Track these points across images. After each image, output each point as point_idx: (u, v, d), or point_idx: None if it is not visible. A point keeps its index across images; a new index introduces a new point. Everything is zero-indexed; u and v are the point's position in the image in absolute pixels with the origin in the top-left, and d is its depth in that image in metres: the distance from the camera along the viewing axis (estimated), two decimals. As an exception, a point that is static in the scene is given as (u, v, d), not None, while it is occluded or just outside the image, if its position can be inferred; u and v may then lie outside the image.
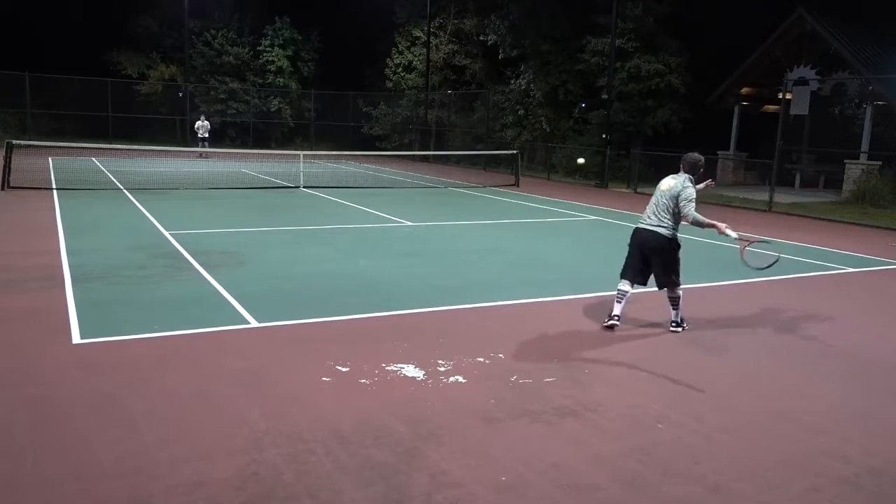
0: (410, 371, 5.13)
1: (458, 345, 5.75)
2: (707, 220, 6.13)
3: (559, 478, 3.68)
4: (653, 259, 6.27)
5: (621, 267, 6.47)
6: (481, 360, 5.43)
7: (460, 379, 5.03)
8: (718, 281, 8.76)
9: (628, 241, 6.47)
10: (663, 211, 6.24)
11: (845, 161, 20.37)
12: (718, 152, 24.79)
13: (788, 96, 20.07)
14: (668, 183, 6.31)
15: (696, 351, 5.93)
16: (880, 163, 19.49)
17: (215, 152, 26.88)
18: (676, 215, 6.20)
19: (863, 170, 19.52)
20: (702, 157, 6.45)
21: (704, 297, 7.94)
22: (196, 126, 28.39)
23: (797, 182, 23.36)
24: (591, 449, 4.03)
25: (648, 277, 6.36)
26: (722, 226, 6.13)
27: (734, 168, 24.70)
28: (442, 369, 5.19)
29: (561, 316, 6.90)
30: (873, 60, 20.57)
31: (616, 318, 6.36)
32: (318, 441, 3.97)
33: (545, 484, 3.61)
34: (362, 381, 4.92)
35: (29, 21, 34.86)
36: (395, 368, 5.17)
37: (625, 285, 6.36)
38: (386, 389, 4.79)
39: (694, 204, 6.18)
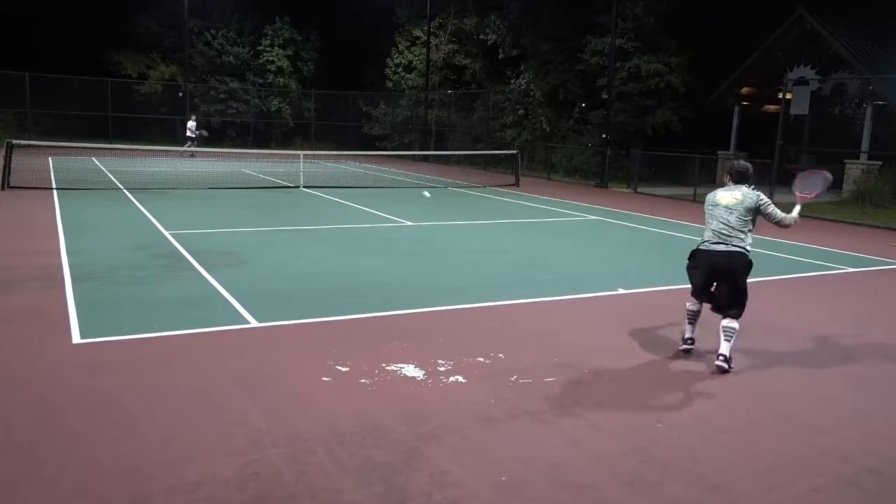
0: (410, 371, 5.13)
1: (458, 345, 5.75)
2: (792, 216, 5.92)
3: (559, 478, 3.68)
4: (724, 281, 5.59)
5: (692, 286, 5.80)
6: (481, 360, 5.43)
7: (460, 379, 5.03)
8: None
9: (690, 261, 5.77)
10: (739, 228, 5.53)
11: (845, 161, 20.36)
12: (718, 152, 24.77)
13: (788, 96, 20.07)
14: (735, 196, 5.62)
15: (695, 350, 5.92)
16: (880, 163, 19.48)
17: (202, 151, 26.71)
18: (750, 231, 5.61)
19: (863, 170, 19.52)
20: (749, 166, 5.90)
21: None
22: (189, 125, 28.40)
23: (797, 182, 23.32)
24: (591, 449, 4.03)
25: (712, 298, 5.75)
26: (798, 206, 6.15)
27: (734, 168, 24.67)
28: (442, 369, 5.19)
29: (561, 316, 6.90)
30: (873, 60, 20.56)
31: (690, 341, 5.81)
32: (318, 441, 3.97)
33: (545, 484, 3.61)
34: (362, 381, 4.92)
35: (29, 21, 34.84)
36: (395, 368, 5.17)
37: (695, 304, 5.78)
38: (386, 389, 4.79)
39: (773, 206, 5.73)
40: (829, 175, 6.33)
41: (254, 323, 6.19)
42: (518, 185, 20.83)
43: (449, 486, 3.54)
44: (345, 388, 4.78)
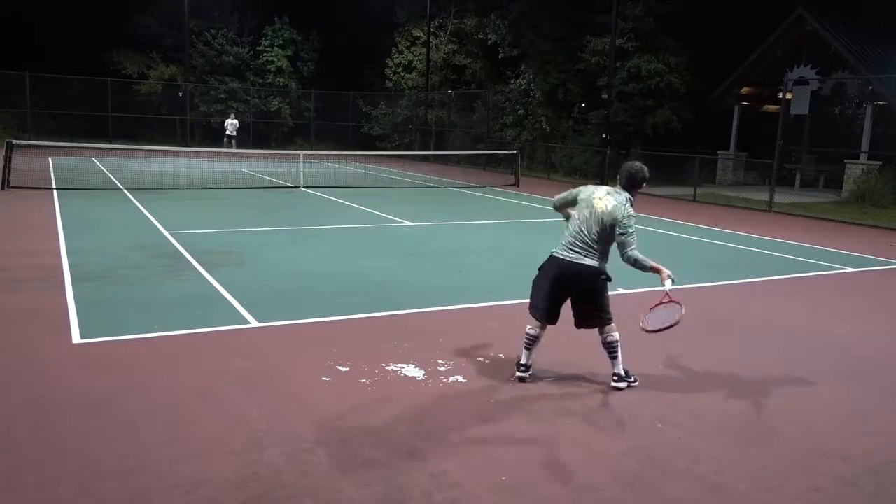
0: (410, 371, 5.13)
1: (458, 345, 5.75)
2: (650, 263, 4.80)
3: (559, 478, 3.68)
4: (578, 298, 4.94)
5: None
6: (481, 360, 5.44)
7: (460, 379, 5.03)
8: (718, 281, 8.75)
9: (541, 267, 5.03)
10: (595, 238, 4.76)
11: (845, 161, 20.38)
12: (718, 152, 24.81)
13: (788, 96, 20.08)
14: (608, 202, 4.77)
15: (695, 350, 5.92)
16: (880, 163, 19.50)
17: (242, 152, 27.15)
18: (609, 244, 4.82)
19: (863, 170, 19.53)
20: (644, 168, 4.95)
21: (704, 297, 7.93)
22: (226, 124, 29.18)
23: (797, 182, 23.37)
24: (591, 449, 4.03)
25: (558, 317, 5.03)
26: (665, 273, 4.80)
27: (734, 168, 24.73)
28: (442, 369, 5.19)
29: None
30: (873, 60, 20.57)
31: (524, 367, 5.02)
32: (318, 441, 3.97)
33: (545, 484, 3.61)
34: (362, 381, 4.92)
35: (29, 21, 34.83)
36: (395, 368, 5.17)
37: (535, 329, 5.00)
38: (386, 389, 4.79)
39: (636, 236, 4.77)
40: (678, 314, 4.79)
41: (254, 323, 6.19)
42: (518, 185, 20.83)
43: (449, 486, 3.54)
44: (345, 388, 4.78)
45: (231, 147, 28.50)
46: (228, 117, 30.05)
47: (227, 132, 29.11)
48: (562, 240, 4.91)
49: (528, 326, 5.01)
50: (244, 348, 5.54)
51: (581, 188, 5.06)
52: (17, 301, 6.64)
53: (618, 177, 5.00)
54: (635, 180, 4.89)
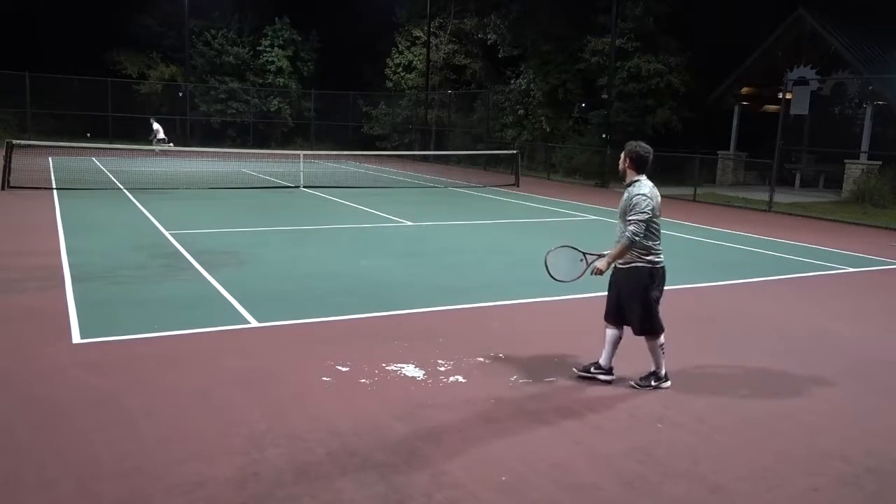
0: (410, 371, 5.13)
1: (458, 345, 5.75)
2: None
3: (559, 478, 3.68)
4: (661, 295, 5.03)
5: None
6: (481, 360, 5.44)
7: (460, 379, 5.03)
8: (718, 281, 8.76)
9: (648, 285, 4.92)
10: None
11: (845, 161, 20.39)
12: (718, 152, 24.81)
13: (788, 96, 20.09)
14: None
15: (695, 350, 5.92)
16: (880, 163, 19.50)
17: (175, 150, 26.64)
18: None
19: (863, 170, 19.53)
20: (648, 149, 5.04)
21: (704, 297, 7.94)
22: (157, 128, 27.98)
23: (797, 182, 23.37)
24: (591, 449, 4.03)
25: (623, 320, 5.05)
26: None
27: (734, 168, 24.73)
28: (442, 369, 5.19)
29: (561, 316, 6.90)
30: (873, 60, 20.58)
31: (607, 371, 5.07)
32: (318, 441, 3.97)
33: (545, 484, 3.61)
34: (362, 381, 4.92)
35: (29, 21, 34.84)
36: (395, 368, 5.17)
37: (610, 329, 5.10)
38: (386, 389, 4.79)
39: (643, 216, 4.69)
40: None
41: (254, 323, 6.19)
42: (518, 185, 20.82)
43: (449, 486, 3.54)
44: (345, 388, 4.78)
45: (165, 145, 27.19)
46: (152, 122, 28.33)
47: (159, 136, 27.59)
48: (657, 246, 4.86)
49: (662, 337, 4.96)
50: (244, 348, 5.54)
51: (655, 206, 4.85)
52: (17, 301, 6.64)
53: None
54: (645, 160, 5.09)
